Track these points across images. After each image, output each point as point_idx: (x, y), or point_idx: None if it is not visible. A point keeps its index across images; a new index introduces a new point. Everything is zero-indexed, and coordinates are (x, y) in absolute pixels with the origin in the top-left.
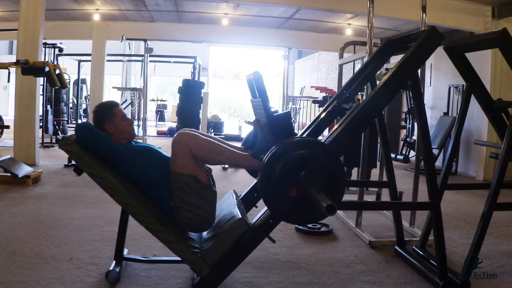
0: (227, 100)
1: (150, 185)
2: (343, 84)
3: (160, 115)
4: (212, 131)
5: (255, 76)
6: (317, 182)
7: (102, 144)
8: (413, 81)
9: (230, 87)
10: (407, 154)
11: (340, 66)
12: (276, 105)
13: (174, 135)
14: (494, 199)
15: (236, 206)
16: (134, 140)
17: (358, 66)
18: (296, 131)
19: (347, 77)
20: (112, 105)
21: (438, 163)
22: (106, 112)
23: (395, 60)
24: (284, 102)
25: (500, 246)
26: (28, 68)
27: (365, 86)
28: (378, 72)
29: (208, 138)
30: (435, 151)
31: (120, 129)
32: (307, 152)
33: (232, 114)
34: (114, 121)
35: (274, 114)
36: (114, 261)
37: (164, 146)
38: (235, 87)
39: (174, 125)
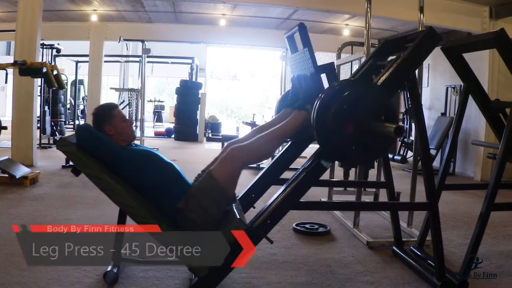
0: (224, 101)
1: (150, 187)
2: None
3: (158, 116)
4: (210, 132)
5: (300, 27)
6: (375, 114)
7: (102, 146)
8: (411, 81)
9: (227, 88)
10: (404, 154)
11: (338, 67)
12: (274, 106)
13: (226, 150)
14: (492, 199)
15: (234, 207)
16: (134, 142)
17: (355, 67)
18: None
19: (344, 77)
20: (111, 107)
21: (436, 163)
22: (106, 114)
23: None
24: None
25: (498, 246)
26: (26, 69)
27: None
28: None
29: (254, 140)
30: (433, 152)
31: (120, 130)
32: (361, 90)
33: (229, 115)
34: (114, 123)
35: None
36: (112, 262)
37: (162, 147)
38: (232, 87)
39: (171, 126)
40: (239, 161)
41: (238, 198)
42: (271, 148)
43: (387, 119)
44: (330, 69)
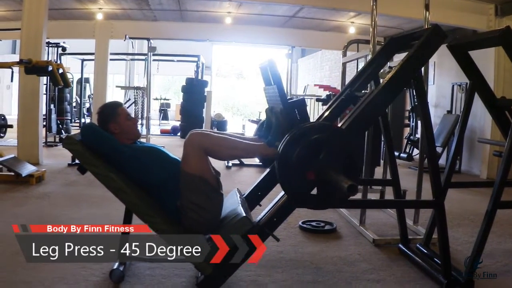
0: (230, 98)
1: (155, 185)
2: (346, 82)
3: (164, 114)
4: (216, 129)
5: (270, 63)
6: (336, 164)
7: (106, 144)
8: (417, 79)
9: (233, 85)
10: (410, 152)
11: (344, 65)
12: None
13: (187, 136)
14: (498, 197)
15: (240, 205)
16: (139, 140)
17: (361, 64)
18: None
19: (350, 75)
20: (116, 105)
21: (442, 161)
22: (110, 112)
23: (398, 58)
24: None
25: (504, 244)
26: (31, 68)
27: (368, 84)
28: (382, 70)
29: (220, 135)
30: (439, 149)
31: (125, 128)
32: (325, 135)
33: (235, 113)
34: (119, 121)
35: (290, 101)
36: (118, 260)
37: (168, 145)
38: (238, 85)
39: (177, 123)
40: (198, 145)
41: (244, 196)
42: (230, 153)
43: (352, 164)
44: (300, 107)
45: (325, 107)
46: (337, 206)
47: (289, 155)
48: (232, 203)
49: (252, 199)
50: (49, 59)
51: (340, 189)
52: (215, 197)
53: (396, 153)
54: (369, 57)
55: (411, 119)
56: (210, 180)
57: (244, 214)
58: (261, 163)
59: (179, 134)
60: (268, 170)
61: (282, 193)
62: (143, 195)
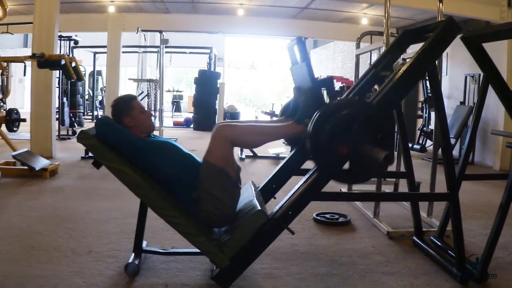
0: (243, 90)
1: (169, 179)
2: (360, 74)
3: (176, 106)
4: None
5: (298, 40)
6: (368, 137)
7: (121, 138)
8: (431, 70)
9: (245, 77)
10: (424, 143)
11: (357, 56)
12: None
13: (213, 129)
14: None
15: (255, 198)
16: (153, 134)
17: (374, 56)
18: None
19: (363, 66)
20: (130, 99)
21: (455, 152)
22: (124, 105)
23: (411, 50)
24: None
25: None
26: (44, 62)
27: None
28: (395, 63)
29: (246, 124)
30: (452, 141)
31: (139, 122)
32: (356, 110)
33: (248, 104)
34: (133, 114)
35: (318, 79)
36: (133, 254)
37: (181, 137)
38: (250, 77)
39: (190, 115)
40: (225, 137)
41: (259, 188)
42: (259, 139)
43: (384, 139)
44: (329, 84)
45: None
46: (369, 179)
47: (320, 131)
48: (247, 196)
49: (267, 192)
50: (62, 53)
51: (376, 160)
52: (233, 191)
53: (409, 145)
54: (382, 49)
55: (424, 110)
56: (231, 173)
57: (259, 208)
58: (287, 143)
59: (192, 126)
60: (282, 162)
61: (297, 186)
62: (158, 188)
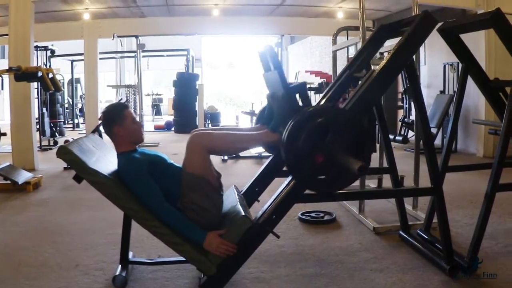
0: (222, 89)
1: None
2: (338, 70)
3: (157, 109)
4: (209, 122)
5: (269, 49)
6: (344, 146)
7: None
8: (409, 65)
9: (224, 75)
10: (405, 134)
11: (334, 52)
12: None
13: (188, 138)
14: (496, 180)
15: (239, 203)
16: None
17: (351, 51)
18: None
19: (340, 61)
20: (122, 107)
21: (437, 141)
22: (116, 114)
23: (389, 43)
24: None
25: (504, 225)
26: (21, 75)
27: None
28: (373, 58)
29: (221, 132)
30: (434, 130)
31: (129, 132)
32: (329, 118)
33: (228, 103)
34: (124, 124)
35: (290, 85)
36: (120, 266)
37: (163, 141)
38: (229, 75)
39: (171, 118)
40: (200, 145)
41: (242, 192)
42: (233, 148)
43: (360, 144)
44: (302, 90)
45: (317, 96)
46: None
47: (295, 140)
48: (230, 201)
49: (250, 195)
50: (39, 63)
51: (350, 170)
52: (216, 198)
53: (391, 136)
54: (359, 44)
55: (405, 101)
56: (212, 181)
57: (243, 213)
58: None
59: (173, 129)
60: (264, 165)
61: (280, 189)
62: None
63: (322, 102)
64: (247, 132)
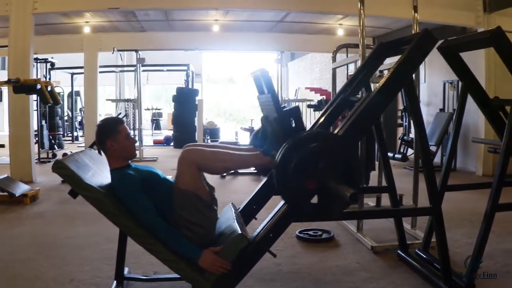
0: (222, 104)
1: None
2: (337, 87)
3: (156, 124)
4: (209, 137)
5: (263, 72)
6: (335, 172)
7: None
8: (408, 85)
9: (224, 91)
10: (405, 152)
11: (334, 70)
12: None
13: (180, 153)
14: (496, 200)
15: (235, 220)
16: (133, 160)
17: (351, 68)
18: None
19: (340, 78)
20: (117, 122)
21: (437, 159)
22: (110, 128)
23: (388, 61)
24: None
25: (503, 244)
26: (20, 87)
27: (360, 91)
28: (372, 76)
29: (214, 149)
30: (433, 148)
31: (122, 147)
32: (322, 144)
33: (228, 118)
34: (117, 139)
35: (284, 109)
36: (115, 281)
37: (162, 156)
38: (229, 90)
39: (170, 133)
40: (191, 161)
41: (239, 210)
42: (224, 167)
43: (351, 171)
44: (295, 114)
45: (316, 113)
46: (340, 215)
47: (287, 165)
48: (227, 218)
49: (247, 213)
50: (38, 75)
51: (342, 198)
52: (208, 213)
53: (391, 154)
54: (359, 62)
55: (404, 119)
56: (203, 196)
57: (240, 231)
58: (256, 172)
59: (172, 144)
60: (262, 183)
61: (278, 207)
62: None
63: (322, 120)
64: (240, 153)
